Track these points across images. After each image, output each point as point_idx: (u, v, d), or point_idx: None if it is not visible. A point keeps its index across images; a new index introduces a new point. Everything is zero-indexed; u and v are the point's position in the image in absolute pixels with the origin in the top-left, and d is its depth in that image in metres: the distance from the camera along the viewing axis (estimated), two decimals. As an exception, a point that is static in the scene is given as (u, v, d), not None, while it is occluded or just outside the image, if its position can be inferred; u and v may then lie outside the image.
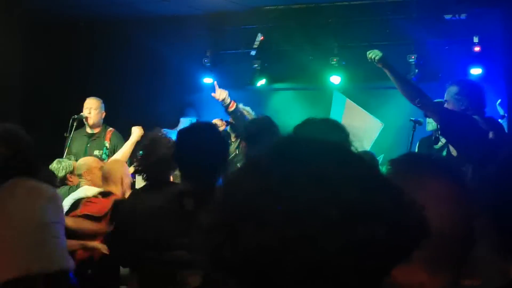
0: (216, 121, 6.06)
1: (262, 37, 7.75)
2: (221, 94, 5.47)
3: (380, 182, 0.91)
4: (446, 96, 4.84)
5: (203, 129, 3.21)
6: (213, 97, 5.58)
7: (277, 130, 4.46)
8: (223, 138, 3.28)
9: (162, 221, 2.95)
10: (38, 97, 7.79)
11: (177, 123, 7.88)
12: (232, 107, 5.45)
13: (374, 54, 4.89)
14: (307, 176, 0.86)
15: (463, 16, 6.81)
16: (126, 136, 6.27)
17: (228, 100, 5.46)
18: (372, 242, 0.84)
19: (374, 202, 0.87)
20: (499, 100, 6.33)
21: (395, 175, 1.28)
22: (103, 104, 6.66)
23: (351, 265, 0.84)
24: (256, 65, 7.77)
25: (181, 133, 3.21)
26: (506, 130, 4.69)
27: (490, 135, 4.27)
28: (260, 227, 0.85)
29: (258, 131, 4.39)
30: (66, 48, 8.01)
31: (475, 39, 6.79)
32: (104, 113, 6.67)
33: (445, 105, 4.79)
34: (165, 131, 7.30)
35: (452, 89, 4.81)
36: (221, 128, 5.65)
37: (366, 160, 0.93)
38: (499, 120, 6.10)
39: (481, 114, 4.69)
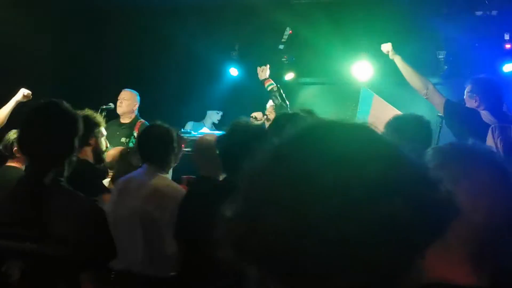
0: (256, 114, 6.11)
1: (290, 31, 7.73)
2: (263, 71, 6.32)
3: (404, 159, 0.89)
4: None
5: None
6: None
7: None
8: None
9: None
10: (70, 86, 7.86)
11: (204, 115, 7.93)
12: (268, 82, 6.12)
13: (387, 47, 5.31)
14: (328, 157, 0.86)
15: (494, 12, 6.72)
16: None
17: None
18: (396, 219, 0.83)
19: (397, 178, 0.85)
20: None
21: (438, 163, 1.26)
22: (138, 97, 6.75)
23: (378, 245, 0.83)
24: (284, 59, 7.76)
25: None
26: None
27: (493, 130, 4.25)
28: (282, 211, 0.84)
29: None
30: (96, 36, 8.06)
31: (506, 36, 6.71)
32: (137, 105, 6.75)
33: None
34: (191, 123, 7.38)
35: (466, 87, 4.91)
36: (259, 122, 5.67)
37: (389, 140, 0.92)
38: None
39: (494, 109, 4.70)
